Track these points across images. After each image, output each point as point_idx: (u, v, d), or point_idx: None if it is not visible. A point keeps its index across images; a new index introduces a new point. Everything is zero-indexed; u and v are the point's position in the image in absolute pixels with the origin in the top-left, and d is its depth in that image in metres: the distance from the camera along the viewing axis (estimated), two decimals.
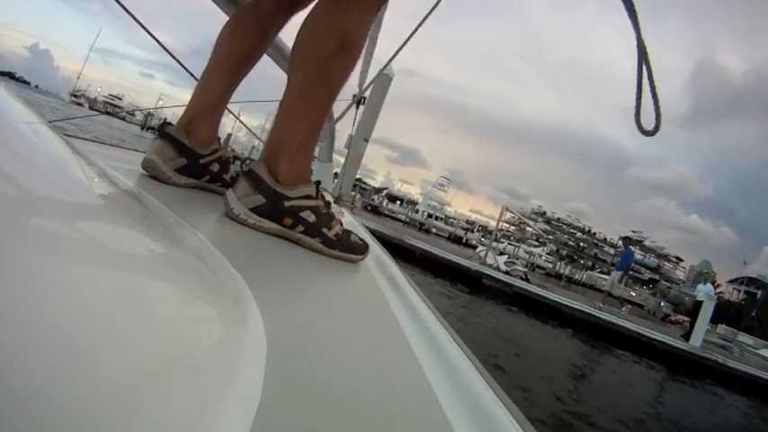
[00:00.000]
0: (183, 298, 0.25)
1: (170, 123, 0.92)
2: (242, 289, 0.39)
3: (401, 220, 41.98)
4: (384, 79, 2.82)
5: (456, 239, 42.10)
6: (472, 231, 49.31)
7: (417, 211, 49.66)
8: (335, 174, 3.22)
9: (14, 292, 0.13)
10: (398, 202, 51.53)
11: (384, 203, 47.92)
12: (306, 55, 0.79)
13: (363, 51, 0.86)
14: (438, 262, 8.84)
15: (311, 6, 0.82)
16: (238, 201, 0.74)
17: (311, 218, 0.76)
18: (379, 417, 0.31)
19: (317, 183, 0.80)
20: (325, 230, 0.77)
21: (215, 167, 0.97)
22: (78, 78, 74.19)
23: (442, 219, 50.14)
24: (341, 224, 0.81)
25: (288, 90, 0.79)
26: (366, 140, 2.90)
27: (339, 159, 3.25)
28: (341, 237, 0.78)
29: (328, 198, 1.02)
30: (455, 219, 54.32)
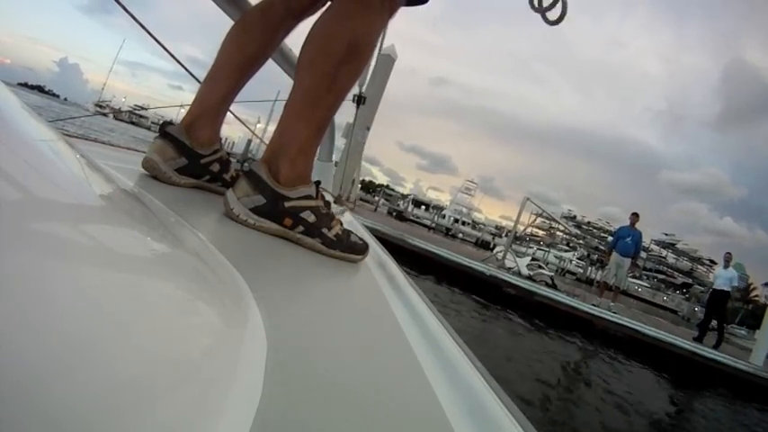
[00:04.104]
0: (184, 298, 0.26)
1: (171, 123, 0.95)
2: (242, 289, 0.40)
3: (427, 226, 41.18)
4: (386, 60, 2.71)
5: (483, 244, 41.04)
6: (500, 236, 48.10)
7: (444, 217, 48.69)
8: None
9: (14, 291, 0.14)
10: (424, 207, 50.85)
11: (409, 208, 47.42)
12: (314, 58, 0.81)
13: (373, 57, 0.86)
14: (443, 264, 7.57)
15: (320, 13, 0.84)
16: (238, 201, 0.76)
17: (311, 218, 0.77)
18: (379, 417, 0.32)
19: (317, 183, 0.82)
20: (325, 231, 0.78)
21: (215, 167, 0.99)
22: (103, 90, 77.16)
23: (469, 224, 49.05)
24: (341, 224, 0.82)
25: (294, 92, 0.81)
26: (368, 129, 2.79)
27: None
28: (341, 237, 0.80)
29: (328, 198, 1.03)
30: (484, 224, 53.04)
